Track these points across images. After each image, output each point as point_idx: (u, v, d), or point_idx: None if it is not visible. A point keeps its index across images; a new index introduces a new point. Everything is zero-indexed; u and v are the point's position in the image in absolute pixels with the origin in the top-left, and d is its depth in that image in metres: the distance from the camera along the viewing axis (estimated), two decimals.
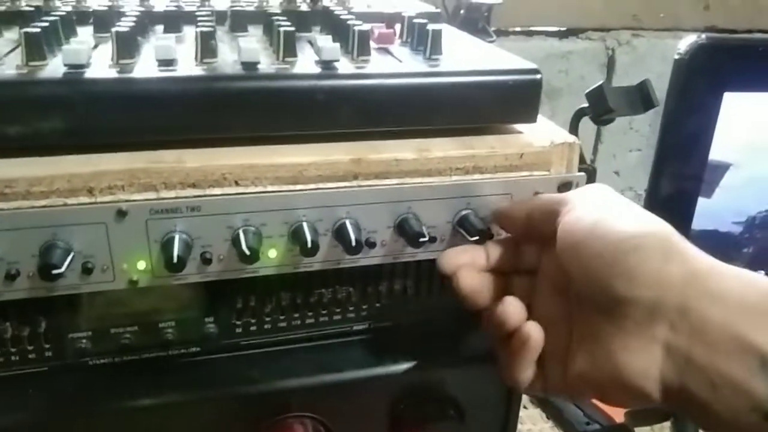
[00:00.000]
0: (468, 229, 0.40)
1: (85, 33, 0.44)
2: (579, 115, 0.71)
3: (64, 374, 0.40)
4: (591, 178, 0.71)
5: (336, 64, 0.38)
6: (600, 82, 0.68)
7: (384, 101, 0.38)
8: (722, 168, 0.60)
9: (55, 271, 0.33)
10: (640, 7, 0.91)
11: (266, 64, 0.38)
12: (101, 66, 0.36)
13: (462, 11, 0.80)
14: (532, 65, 0.41)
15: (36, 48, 0.36)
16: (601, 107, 0.68)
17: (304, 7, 0.53)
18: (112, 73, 0.36)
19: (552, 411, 0.69)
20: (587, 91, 0.69)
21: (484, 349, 0.46)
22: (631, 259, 0.31)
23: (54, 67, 0.36)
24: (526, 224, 0.38)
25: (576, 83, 0.91)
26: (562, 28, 0.91)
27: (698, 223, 0.62)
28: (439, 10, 0.58)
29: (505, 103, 0.41)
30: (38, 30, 0.36)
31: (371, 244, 0.39)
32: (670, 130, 0.58)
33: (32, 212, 0.34)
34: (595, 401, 0.68)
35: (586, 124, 0.71)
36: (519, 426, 0.66)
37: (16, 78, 0.34)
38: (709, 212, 0.62)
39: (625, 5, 0.91)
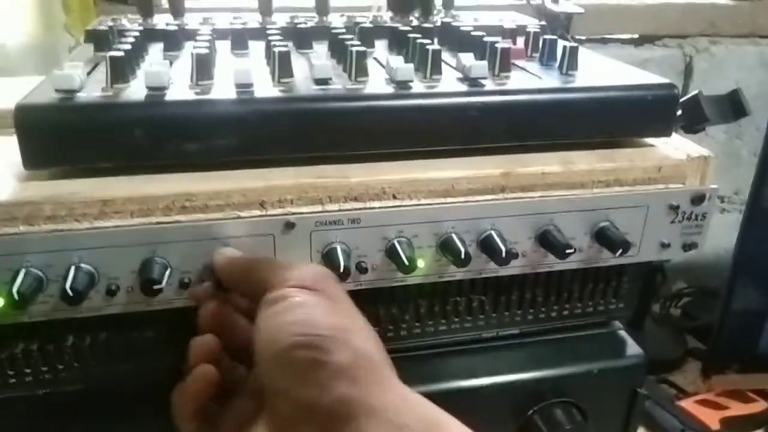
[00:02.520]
0: (608, 241, 0.41)
1: (225, 52, 0.47)
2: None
3: None
4: None
5: (483, 81, 0.40)
6: (695, 92, 0.68)
7: (530, 116, 0.40)
8: None
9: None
10: (717, 14, 0.91)
11: (417, 81, 0.40)
12: (265, 84, 0.38)
13: (542, 21, 0.81)
14: (668, 80, 0.42)
15: (204, 68, 0.38)
16: (696, 117, 0.68)
17: (416, 22, 0.54)
18: (278, 92, 0.37)
19: (645, 416, 0.69)
20: (682, 100, 0.70)
21: (607, 353, 0.47)
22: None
23: (224, 87, 0.38)
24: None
25: None
26: (638, 36, 0.91)
27: None
28: (544, 23, 0.59)
29: (643, 116, 0.42)
30: (205, 50, 0.38)
31: (514, 255, 0.40)
32: None
33: (208, 224, 0.36)
34: (685, 405, 0.69)
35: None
36: None
37: (191, 98, 0.36)
38: None
39: (701, 12, 0.91)
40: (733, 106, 0.71)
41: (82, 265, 0.34)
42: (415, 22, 0.55)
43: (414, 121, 0.38)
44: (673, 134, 0.45)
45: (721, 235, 0.64)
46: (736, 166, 0.98)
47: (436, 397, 0.43)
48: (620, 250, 0.40)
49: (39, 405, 0.40)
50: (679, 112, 0.71)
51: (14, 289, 0.33)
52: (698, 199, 0.42)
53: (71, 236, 0.34)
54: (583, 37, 0.90)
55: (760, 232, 0.62)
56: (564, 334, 0.48)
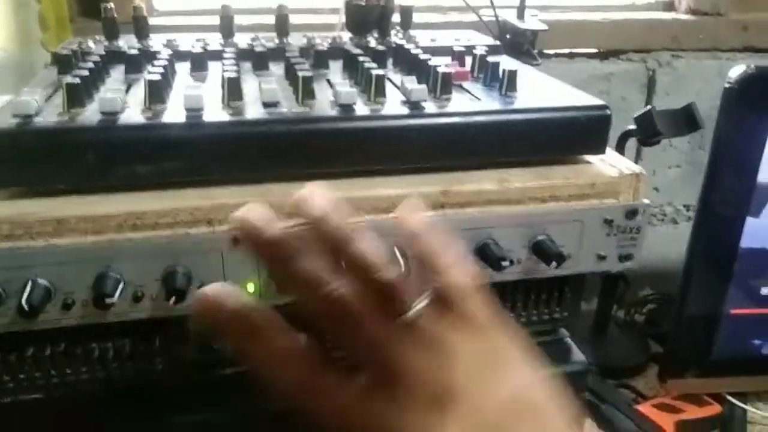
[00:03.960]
0: (544, 254, 0.43)
1: (184, 74, 0.49)
2: (626, 136, 0.74)
3: (170, 387, 0.44)
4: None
5: (423, 104, 0.42)
6: (648, 107, 0.71)
7: (468, 137, 0.42)
8: None
9: (177, 296, 0.37)
10: (679, 29, 0.94)
11: (360, 103, 0.42)
12: (215, 108, 0.40)
13: (508, 36, 0.83)
14: (601, 102, 0.45)
15: (156, 93, 0.40)
16: (650, 131, 0.71)
17: (373, 43, 0.57)
18: (225, 116, 0.40)
19: (602, 420, 0.71)
20: (636, 115, 0.73)
21: (551, 360, 0.49)
22: None
23: (174, 111, 0.40)
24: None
25: (618, 103, 0.93)
26: (603, 50, 0.94)
27: (746, 242, 0.65)
28: (498, 43, 0.61)
29: (577, 136, 0.44)
30: (157, 77, 0.41)
31: None
32: (720, 153, 0.61)
33: (158, 242, 0.38)
34: (642, 409, 0.71)
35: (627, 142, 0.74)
36: None
37: (143, 122, 0.38)
38: (757, 232, 0.65)
39: (664, 27, 0.94)
40: (687, 120, 0.74)
41: (39, 280, 0.36)
42: (373, 43, 0.57)
43: (356, 142, 0.41)
44: (609, 151, 0.48)
45: (686, 242, 0.67)
46: (699, 174, 1.01)
47: None
48: (554, 263, 0.43)
49: (2, 412, 0.42)
50: (633, 126, 0.74)
51: None
52: (631, 213, 0.45)
53: (28, 253, 0.36)
54: (551, 52, 0.93)
55: (707, 240, 0.64)
56: None
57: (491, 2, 0.76)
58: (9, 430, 0.42)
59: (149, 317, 0.39)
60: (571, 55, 0.94)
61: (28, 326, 0.37)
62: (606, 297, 0.84)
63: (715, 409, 0.72)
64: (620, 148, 0.76)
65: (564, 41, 0.93)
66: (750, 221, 0.64)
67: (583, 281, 0.49)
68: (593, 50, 0.94)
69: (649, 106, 0.70)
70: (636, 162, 0.99)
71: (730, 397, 0.73)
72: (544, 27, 0.81)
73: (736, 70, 0.58)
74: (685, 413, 0.72)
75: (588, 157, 0.46)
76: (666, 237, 0.99)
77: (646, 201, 0.45)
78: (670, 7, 0.99)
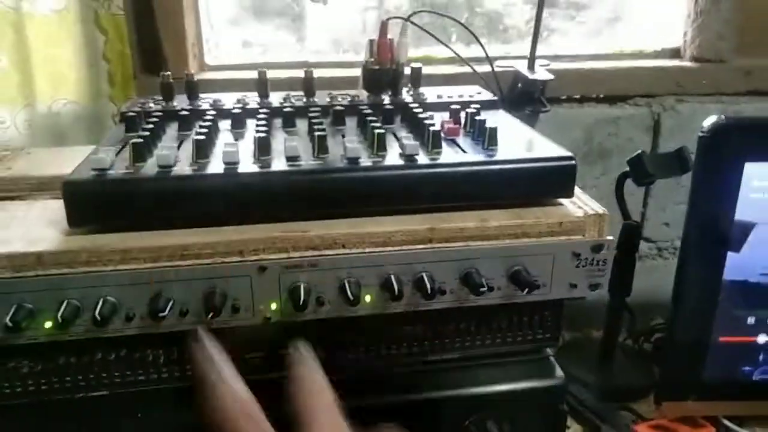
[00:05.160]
0: (519, 282, 0.51)
1: (225, 130, 0.59)
2: (622, 178, 0.82)
3: None
4: (635, 232, 0.82)
5: (416, 157, 0.51)
6: (639, 151, 0.79)
7: (452, 184, 0.51)
8: (748, 227, 0.69)
9: (214, 313, 0.47)
10: (683, 75, 1.01)
11: (365, 157, 0.51)
12: (248, 161, 0.50)
13: (519, 85, 0.92)
14: (568, 153, 0.53)
15: (201, 150, 0.50)
16: (641, 173, 0.78)
17: (386, 101, 0.66)
18: (255, 168, 0.50)
19: (592, 429, 0.77)
20: (628, 158, 0.80)
21: (534, 375, 0.57)
22: None
23: (215, 164, 0.50)
24: None
25: (625, 144, 1.01)
26: (611, 95, 1.01)
27: (729, 274, 0.71)
28: (496, 98, 0.70)
29: (547, 183, 0.52)
30: (202, 137, 0.51)
31: (442, 292, 0.51)
32: (698, 195, 0.68)
33: (201, 268, 0.47)
34: (638, 430, 0.77)
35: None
36: None
37: (190, 173, 0.49)
38: (739, 265, 0.71)
39: (669, 74, 1.01)
40: (679, 162, 0.80)
41: (108, 297, 0.47)
42: (386, 101, 0.67)
43: (360, 188, 0.50)
44: (583, 195, 0.56)
45: None
46: None
47: (388, 408, 0.54)
48: (527, 289, 0.51)
49: (75, 406, 0.52)
50: (627, 169, 0.81)
51: (59, 315, 0.45)
52: (597, 248, 0.52)
53: (100, 277, 0.46)
54: (563, 97, 1.01)
55: (692, 274, 0.71)
56: (499, 359, 0.58)
57: (489, 60, 0.85)
58: (82, 422, 0.51)
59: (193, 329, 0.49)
60: (581, 100, 1.02)
61: (99, 334, 0.47)
62: (611, 325, 0.90)
63: (709, 431, 0.77)
64: (619, 189, 0.83)
65: (574, 88, 1.01)
66: (731, 256, 0.70)
67: (561, 306, 0.57)
68: (602, 95, 1.02)
69: (639, 151, 0.77)
70: (645, 199, 1.06)
71: (726, 421, 0.78)
72: (550, 76, 0.89)
73: (709, 121, 0.65)
74: None
75: (560, 200, 0.54)
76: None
77: (610, 237, 0.53)
78: (676, 54, 1.06)
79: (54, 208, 0.49)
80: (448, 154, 0.53)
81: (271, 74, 0.67)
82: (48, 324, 0.46)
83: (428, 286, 0.49)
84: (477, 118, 0.57)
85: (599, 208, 0.53)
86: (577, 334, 1.01)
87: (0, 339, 0.46)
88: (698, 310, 0.72)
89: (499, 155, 0.53)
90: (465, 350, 0.57)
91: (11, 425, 0.50)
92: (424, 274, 0.50)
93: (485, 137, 0.54)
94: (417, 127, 0.57)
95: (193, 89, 0.66)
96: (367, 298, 0.50)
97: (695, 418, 0.79)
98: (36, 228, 0.49)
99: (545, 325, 0.57)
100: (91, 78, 0.88)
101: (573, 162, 0.52)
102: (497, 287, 0.52)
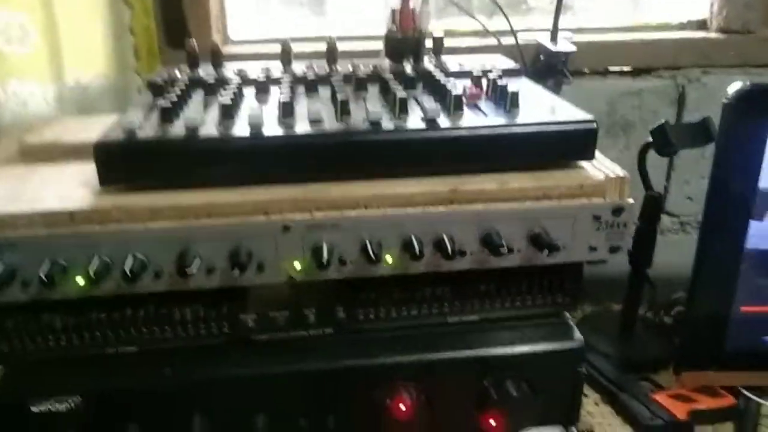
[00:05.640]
0: (539, 243, 0.51)
1: (250, 97, 0.60)
2: (645, 148, 0.81)
3: (234, 346, 0.55)
4: (657, 203, 0.81)
5: (437, 120, 0.52)
6: (663, 121, 0.78)
7: (473, 147, 0.51)
8: None
9: (240, 270, 0.48)
10: (709, 47, 0.99)
11: (387, 120, 0.52)
12: (273, 124, 0.51)
13: (542, 57, 0.91)
14: (589, 116, 0.53)
15: (227, 113, 0.51)
16: (663, 143, 0.77)
17: (408, 69, 0.67)
18: (279, 131, 0.51)
19: (620, 408, 0.78)
20: (651, 128, 0.79)
21: (553, 338, 0.57)
22: None
23: (241, 126, 0.51)
24: None
25: (648, 117, 1.00)
26: (634, 68, 1.00)
27: (752, 243, 0.71)
28: (519, 66, 0.70)
29: (568, 145, 0.53)
30: (229, 101, 0.52)
31: (462, 254, 0.52)
32: (722, 163, 0.68)
33: (227, 227, 0.49)
34: (658, 398, 0.77)
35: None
36: (591, 420, 0.76)
37: (216, 135, 0.50)
38: (762, 234, 0.70)
39: (694, 45, 0.99)
40: (704, 132, 0.80)
41: (137, 254, 0.48)
42: (408, 69, 0.67)
43: (382, 151, 0.51)
44: (604, 159, 0.56)
45: None
46: None
47: (408, 368, 0.55)
48: (547, 251, 0.51)
49: (106, 361, 0.54)
50: (650, 139, 0.81)
51: (90, 271, 0.47)
52: (617, 210, 0.53)
53: (130, 234, 0.48)
54: (586, 70, 1.01)
55: (714, 242, 0.71)
56: (518, 322, 0.58)
57: (512, 32, 0.85)
58: (112, 376, 0.53)
59: (218, 287, 0.50)
60: (605, 73, 1.01)
61: (128, 290, 0.49)
62: (631, 298, 0.90)
63: (728, 401, 0.77)
64: (642, 158, 0.82)
65: (598, 60, 1.00)
66: (754, 224, 0.70)
67: (580, 269, 0.57)
68: (625, 68, 1.01)
69: (663, 120, 0.77)
70: (669, 172, 1.05)
71: (745, 391, 0.78)
72: (573, 48, 0.89)
73: (733, 87, 0.65)
74: (699, 403, 0.77)
75: (581, 162, 0.55)
76: None
77: (631, 201, 0.53)
78: (702, 25, 1.05)
79: (85, 170, 0.51)
80: (470, 118, 0.53)
81: (294, 48, 0.68)
82: (80, 280, 0.48)
83: (448, 246, 0.50)
84: (499, 83, 0.57)
85: (620, 171, 0.53)
86: (597, 307, 1.01)
87: (34, 294, 0.48)
88: (720, 278, 0.72)
89: (520, 118, 0.53)
90: (485, 312, 0.57)
91: (45, 379, 0.52)
92: (444, 235, 0.50)
93: (507, 101, 0.54)
94: (438, 93, 0.57)
95: (218, 58, 0.67)
96: (389, 259, 0.51)
97: (715, 388, 0.79)
98: (68, 188, 0.51)
99: (565, 288, 0.58)
100: (117, 51, 0.90)
101: (594, 125, 0.52)
102: (517, 249, 0.52)
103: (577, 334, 0.58)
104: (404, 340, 0.56)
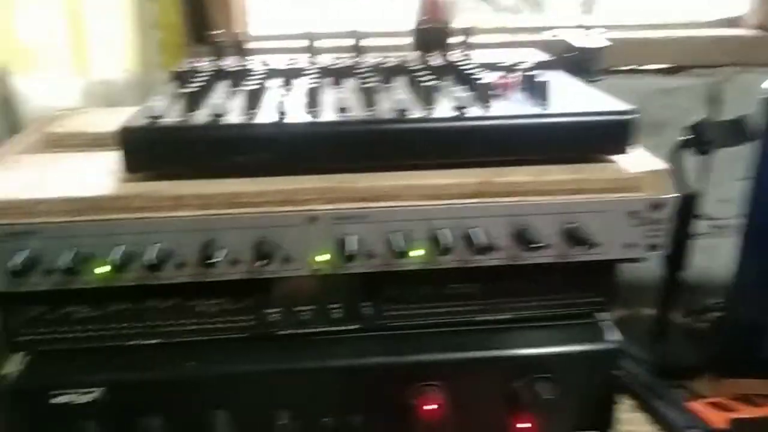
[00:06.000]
0: (574, 239, 0.49)
1: (275, 86, 0.59)
2: (679, 147, 0.79)
3: (258, 340, 0.53)
4: (693, 202, 0.79)
5: (468, 108, 0.50)
6: (701, 117, 0.76)
7: (505, 137, 0.50)
8: None
9: (264, 261, 0.47)
10: (745, 45, 0.96)
11: (415, 109, 0.50)
12: (298, 112, 0.50)
13: (572, 54, 0.89)
14: (628, 106, 0.51)
15: (252, 100, 0.50)
16: (700, 140, 0.75)
17: (437, 61, 0.65)
18: (307, 118, 0.49)
19: (654, 416, 0.75)
20: (688, 125, 0.77)
21: (587, 339, 0.55)
22: None
23: (266, 114, 0.50)
24: None
25: (680, 116, 0.97)
26: (667, 65, 0.98)
27: None
28: (552, 58, 0.68)
29: (605, 137, 0.50)
30: (254, 87, 0.51)
31: (493, 249, 0.50)
32: (764, 160, 0.65)
33: (252, 217, 0.47)
34: (696, 407, 0.74)
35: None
36: (623, 427, 0.73)
37: (240, 122, 0.49)
38: None
39: (730, 43, 0.97)
40: (739, 131, 0.77)
41: (161, 244, 0.47)
42: (438, 59, 0.65)
43: (409, 140, 0.49)
44: (643, 152, 0.53)
45: None
46: None
47: (433, 367, 0.53)
48: (582, 248, 0.49)
49: (128, 353, 0.52)
50: (690, 136, 0.78)
51: (113, 260, 0.46)
52: (656, 206, 0.50)
53: (153, 223, 0.47)
54: (617, 68, 0.98)
55: (756, 247, 0.68)
56: (550, 322, 0.56)
57: (541, 28, 0.83)
58: (134, 367, 0.52)
59: (242, 279, 0.49)
60: (637, 71, 0.99)
61: (151, 281, 0.48)
62: (665, 300, 0.87)
63: None
64: (675, 157, 0.80)
65: (630, 57, 0.98)
66: None
67: (616, 268, 0.55)
68: (658, 66, 0.98)
69: (701, 117, 0.74)
70: (704, 173, 1.02)
71: None
72: (607, 43, 0.87)
73: None
74: (740, 412, 0.74)
75: (618, 155, 0.52)
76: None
77: (671, 195, 0.51)
78: (735, 23, 1.02)
79: (110, 159, 0.50)
80: (500, 107, 0.52)
81: (319, 44, 0.67)
82: (102, 269, 0.47)
83: (479, 241, 0.48)
84: (531, 73, 0.55)
85: (659, 165, 0.51)
86: (628, 311, 0.98)
87: (56, 283, 0.47)
88: (761, 283, 0.69)
89: (555, 108, 0.51)
90: (515, 311, 0.55)
91: (67, 369, 0.51)
92: (474, 229, 0.49)
93: (541, 91, 0.52)
94: (469, 83, 0.55)
95: (242, 49, 0.66)
96: (416, 253, 0.49)
97: (751, 396, 0.76)
98: (92, 175, 0.50)
99: (599, 287, 0.56)
100: (143, 46, 0.90)
101: (633, 115, 0.50)
102: (550, 245, 0.50)
103: (612, 335, 0.56)
104: (431, 337, 0.54)
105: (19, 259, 0.45)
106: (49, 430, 0.51)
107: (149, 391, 0.51)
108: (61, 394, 0.50)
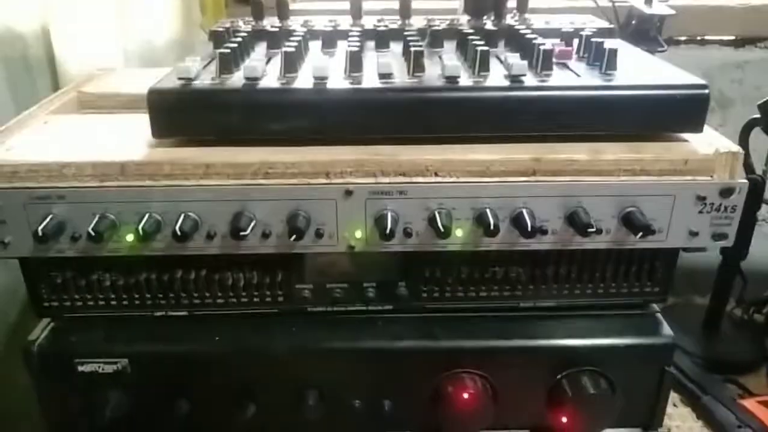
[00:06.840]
0: (632, 224, 0.45)
1: (316, 49, 0.56)
2: (750, 125, 0.72)
3: (289, 317, 0.51)
4: (759, 188, 0.73)
5: (523, 78, 0.46)
6: None
7: (563, 109, 0.45)
8: None
9: (298, 235, 0.44)
10: None
11: (465, 77, 0.46)
12: (339, 78, 0.47)
13: (633, 21, 0.83)
14: (701, 81, 0.46)
15: (290, 63, 0.47)
16: None
17: (489, 25, 0.61)
18: (346, 84, 0.46)
19: (702, 411, 0.71)
20: (760, 102, 0.71)
21: (638, 331, 0.51)
22: None
23: (304, 79, 0.46)
24: None
25: (751, 93, 0.90)
26: (738, 37, 0.91)
27: None
28: (613, 26, 0.63)
29: (672, 114, 0.46)
30: (292, 49, 0.47)
31: (543, 232, 0.46)
32: None
33: (286, 188, 0.45)
34: (746, 404, 0.70)
35: (762, 135, 0.71)
36: (668, 422, 0.69)
37: (277, 87, 0.46)
38: None
39: None
40: None
41: (189, 213, 0.45)
42: (489, 25, 0.61)
43: (458, 110, 0.45)
44: (713, 132, 0.49)
45: None
46: None
47: (472, 353, 0.50)
48: (641, 233, 0.45)
49: (153, 324, 0.51)
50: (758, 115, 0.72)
51: (140, 228, 0.44)
52: (726, 192, 0.46)
53: (182, 190, 0.45)
54: (682, 38, 0.92)
55: None
56: (600, 312, 0.52)
57: None
58: (160, 339, 0.51)
59: (274, 252, 0.46)
60: (703, 42, 0.92)
61: (179, 251, 0.46)
62: (720, 292, 0.82)
63: None
64: (744, 139, 0.74)
65: (696, 27, 0.91)
66: None
67: (675, 257, 0.51)
68: (727, 37, 0.91)
69: None
70: None
71: None
72: (671, 12, 0.80)
73: None
74: None
75: (684, 135, 0.48)
76: None
77: (743, 180, 0.46)
78: None
79: (141, 122, 0.48)
80: (560, 77, 0.47)
81: (363, 5, 0.63)
82: (129, 236, 0.45)
83: (528, 223, 0.44)
84: (593, 40, 0.50)
85: (732, 146, 0.46)
86: (679, 299, 0.93)
87: (83, 249, 0.46)
88: None
89: (619, 80, 0.46)
90: (563, 298, 0.52)
91: (92, 338, 0.50)
92: (524, 210, 0.45)
93: (603, 60, 0.48)
94: (524, 50, 0.51)
95: (284, 10, 0.62)
96: (459, 233, 0.46)
97: None
98: (121, 139, 0.48)
99: (656, 277, 0.51)
100: (183, 6, 0.87)
101: (706, 91, 0.45)
102: (606, 230, 0.46)
103: (666, 329, 0.52)
104: (471, 323, 0.51)
105: (44, 224, 0.44)
106: (75, 395, 0.50)
107: (175, 364, 0.50)
108: (86, 362, 0.49)
